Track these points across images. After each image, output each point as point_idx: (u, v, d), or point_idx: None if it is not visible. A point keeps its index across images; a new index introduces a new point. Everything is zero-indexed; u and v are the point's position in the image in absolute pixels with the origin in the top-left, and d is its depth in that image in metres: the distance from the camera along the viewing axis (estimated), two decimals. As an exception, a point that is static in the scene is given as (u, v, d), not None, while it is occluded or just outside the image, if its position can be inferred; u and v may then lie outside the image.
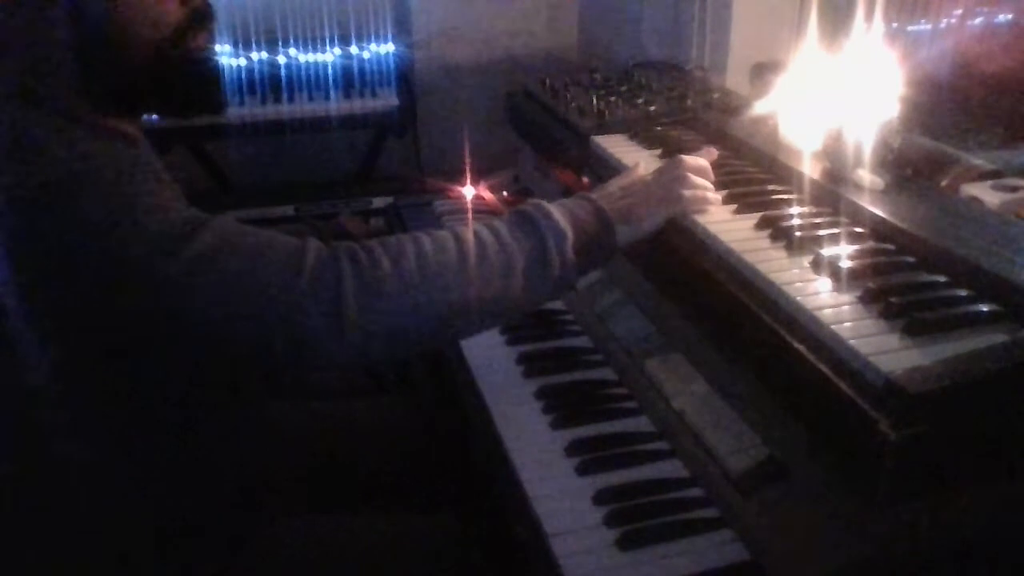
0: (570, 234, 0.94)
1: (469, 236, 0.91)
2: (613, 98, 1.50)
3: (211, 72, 0.98)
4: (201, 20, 0.93)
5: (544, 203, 0.97)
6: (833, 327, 0.78)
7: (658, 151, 1.28)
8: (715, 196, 1.05)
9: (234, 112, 2.26)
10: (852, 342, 0.75)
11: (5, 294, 0.85)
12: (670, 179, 1.03)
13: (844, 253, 0.90)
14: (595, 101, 1.46)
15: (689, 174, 1.04)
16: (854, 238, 0.94)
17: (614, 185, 1.04)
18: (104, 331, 0.85)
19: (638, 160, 1.18)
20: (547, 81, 1.65)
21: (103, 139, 0.88)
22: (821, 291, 0.85)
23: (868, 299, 0.82)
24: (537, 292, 0.94)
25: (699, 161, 1.08)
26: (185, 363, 0.94)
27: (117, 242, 0.79)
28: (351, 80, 2.38)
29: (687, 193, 1.03)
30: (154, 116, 1.06)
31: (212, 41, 0.95)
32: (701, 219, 1.02)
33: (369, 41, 2.39)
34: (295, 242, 0.87)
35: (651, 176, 1.05)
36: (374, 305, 0.85)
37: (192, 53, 0.92)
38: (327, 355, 0.86)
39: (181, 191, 0.98)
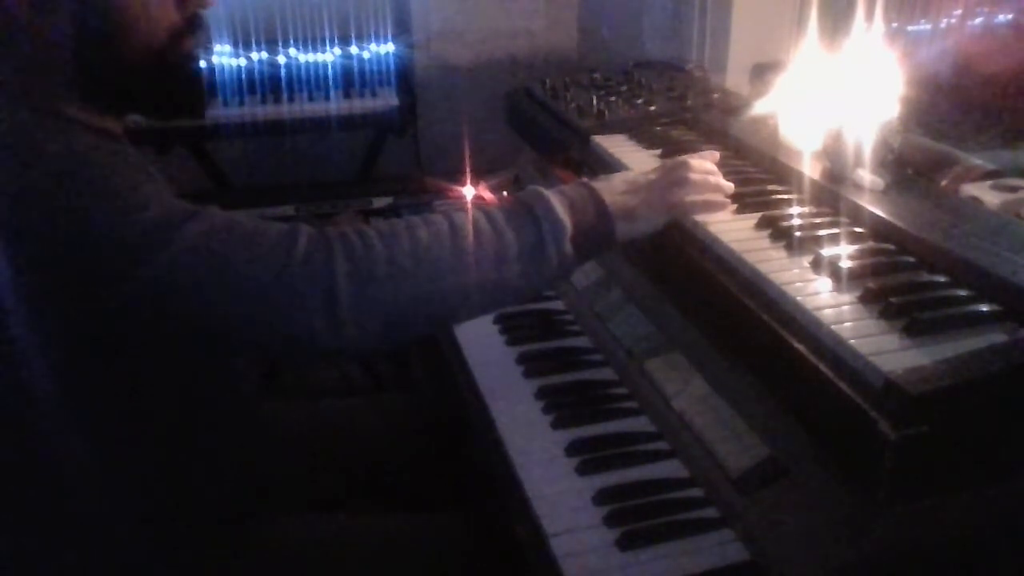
0: (569, 226, 0.94)
1: (465, 223, 0.91)
2: (613, 98, 1.50)
3: (196, 78, 0.99)
4: (194, 27, 0.94)
5: (543, 191, 0.96)
6: (833, 327, 0.78)
7: (658, 151, 1.28)
8: (722, 200, 1.05)
9: (234, 112, 2.26)
10: (852, 342, 0.75)
11: (3, 294, 0.85)
12: (674, 181, 1.03)
13: (844, 253, 0.90)
14: (595, 101, 1.46)
15: (694, 177, 1.03)
16: (854, 238, 0.94)
17: (618, 179, 1.03)
18: (101, 328, 0.85)
19: (643, 161, 1.18)
20: (547, 81, 1.65)
21: (92, 136, 0.89)
22: (821, 291, 0.85)
23: (868, 299, 0.82)
24: (532, 281, 0.94)
25: (706, 164, 1.06)
26: (182, 358, 0.94)
27: (110, 235, 0.80)
28: (351, 80, 2.38)
29: (689, 200, 1.02)
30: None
31: (199, 48, 0.97)
32: (701, 219, 1.02)
33: (369, 41, 2.39)
34: (286, 228, 0.86)
35: (656, 175, 1.04)
36: (367, 289, 0.85)
37: (183, 58, 0.94)
38: (321, 342, 0.86)
39: (167, 185, 0.98)
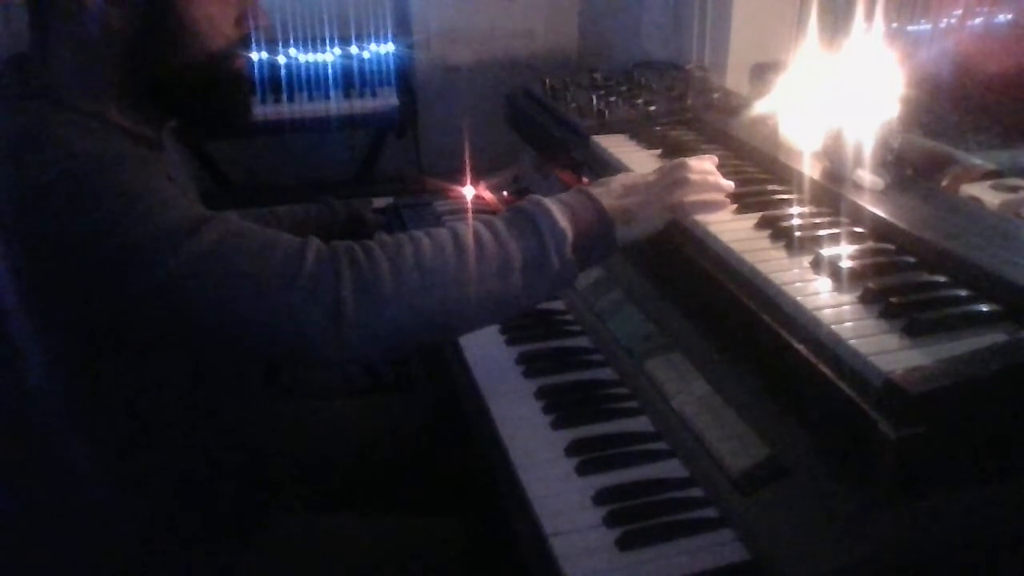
0: (569, 233, 0.94)
1: (467, 235, 0.91)
2: (613, 98, 1.49)
3: (245, 95, 1.02)
4: (246, 46, 0.97)
5: (543, 200, 0.96)
6: (833, 327, 0.78)
7: (658, 151, 1.28)
8: (721, 199, 1.05)
9: (234, 112, 2.26)
10: (852, 342, 0.75)
11: (6, 292, 0.85)
12: (673, 182, 1.03)
13: (844, 253, 0.90)
14: (595, 101, 1.46)
15: (693, 177, 1.03)
16: (854, 238, 0.94)
17: (616, 182, 1.03)
18: (105, 328, 0.86)
19: (643, 161, 1.18)
20: (547, 81, 1.65)
21: (122, 139, 0.90)
22: (821, 291, 0.85)
23: (868, 299, 0.82)
24: (535, 291, 0.94)
25: (704, 164, 1.07)
26: (184, 361, 0.94)
27: (122, 234, 0.80)
28: (351, 80, 2.38)
29: (688, 200, 1.02)
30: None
31: (248, 70, 1.00)
32: (701, 219, 1.02)
33: (369, 41, 2.39)
34: (297, 241, 0.87)
35: (654, 177, 1.05)
36: (372, 305, 0.85)
37: (234, 74, 0.97)
38: (326, 353, 0.87)
39: (193, 189, 0.99)
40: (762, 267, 0.90)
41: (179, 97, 0.95)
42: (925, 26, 1.48)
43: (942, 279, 0.85)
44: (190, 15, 0.91)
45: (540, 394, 1.12)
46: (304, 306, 0.83)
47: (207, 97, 0.96)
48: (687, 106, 1.43)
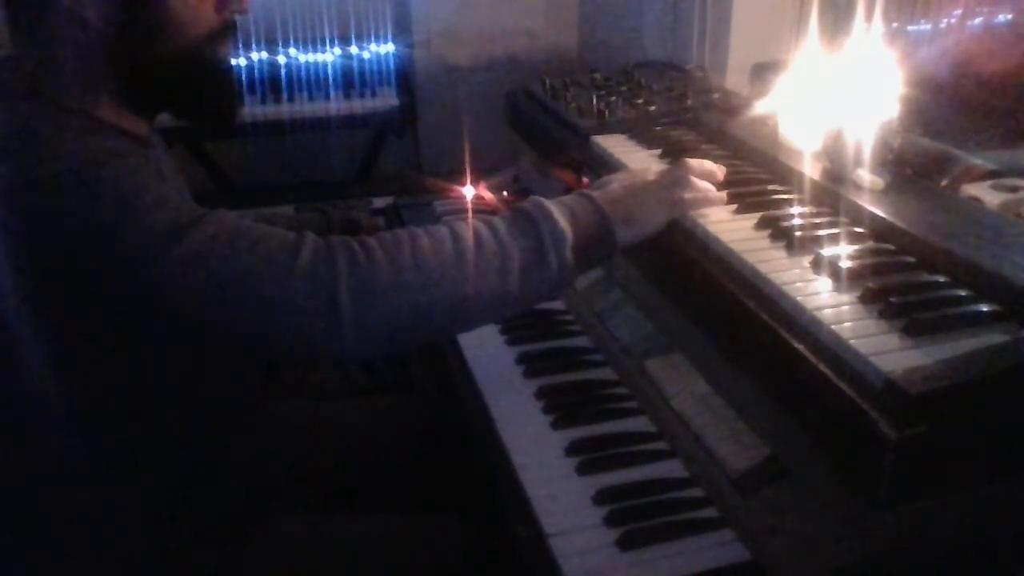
0: (569, 235, 0.94)
1: (467, 233, 0.91)
2: (613, 98, 1.50)
3: (232, 83, 1.01)
4: (229, 32, 0.96)
5: (544, 201, 0.96)
6: (833, 327, 0.78)
7: (658, 151, 1.28)
8: (719, 196, 1.05)
9: (234, 112, 2.26)
10: (852, 342, 0.75)
11: (5, 292, 0.85)
12: (673, 181, 1.03)
13: (844, 253, 0.90)
14: (595, 101, 1.46)
15: (693, 177, 1.04)
16: (854, 238, 0.94)
17: (616, 183, 1.03)
18: (105, 327, 0.86)
19: (643, 161, 1.18)
20: (547, 81, 1.65)
21: (113, 137, 0.89)
22: (821, 291, 0.85)
23: (868, 299, 0.82)
24: (534, 291, 0.94)
25: (705, 164, 1.07)
26: (184, 361, 0.94)
27: (117, 233, 0.80)
28: (351, 80, 2.39)
29: (688, 196, 1.02)
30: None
31: (232, 56, 0.99)
32: (701, 219, 1.02)
33: (369, 41, 2.39)
34: (292, 236, 0.87)
35: (654, 177, 1.05)
36: (369, 300, 0.85)
37: (218, 62, 0.96)
38: (323, 349, 0.87)
39: (188, 192, 0.99)
40: (762, 267, 0.90)
41: (166, 88, 0.94)
42: (925, 26, 1.48)
43: (942, 279, 0.85)
44: (169, 3, 0.89)
45: (540, 394, 1.12)
46: (300, 300, 0.83)
47: (194, 86, 0.95)
48: (687, 106, 1.43)
